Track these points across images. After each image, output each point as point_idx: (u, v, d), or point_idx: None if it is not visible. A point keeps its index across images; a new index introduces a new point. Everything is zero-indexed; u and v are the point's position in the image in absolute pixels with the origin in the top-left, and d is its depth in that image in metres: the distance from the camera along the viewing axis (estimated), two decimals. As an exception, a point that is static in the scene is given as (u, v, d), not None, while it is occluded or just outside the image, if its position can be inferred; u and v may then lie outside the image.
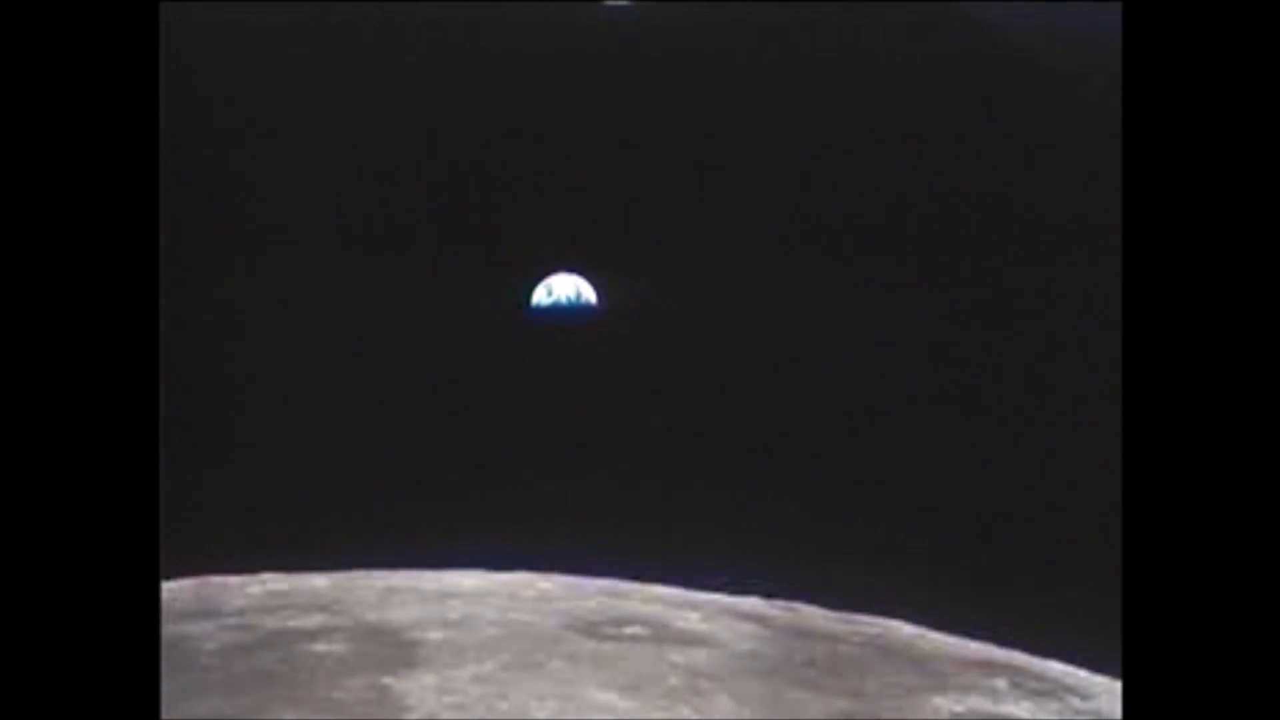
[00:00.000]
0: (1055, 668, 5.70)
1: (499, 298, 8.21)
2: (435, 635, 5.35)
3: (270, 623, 5.57)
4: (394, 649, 5.22)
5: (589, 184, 8.20)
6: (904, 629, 6.06)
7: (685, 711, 4.68)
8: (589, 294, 8.25)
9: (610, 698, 4.77)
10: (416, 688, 4.82)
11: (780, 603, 6.23)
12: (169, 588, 6.09)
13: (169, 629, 5.38)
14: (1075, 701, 5.21)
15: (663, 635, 5.47)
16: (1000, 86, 7.94)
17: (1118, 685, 5.30)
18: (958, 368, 7.79)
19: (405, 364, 8.17)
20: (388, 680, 4.89)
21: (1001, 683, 5.29)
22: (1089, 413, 6.80)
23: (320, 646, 5.24)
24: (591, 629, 5.48)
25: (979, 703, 5.03)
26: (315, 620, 5.57)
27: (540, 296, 8.24)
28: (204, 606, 5.82)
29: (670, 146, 8.19)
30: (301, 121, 8.05)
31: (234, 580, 6.29)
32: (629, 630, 5.50)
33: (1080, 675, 5.62)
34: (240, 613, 5.72)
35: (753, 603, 6.19)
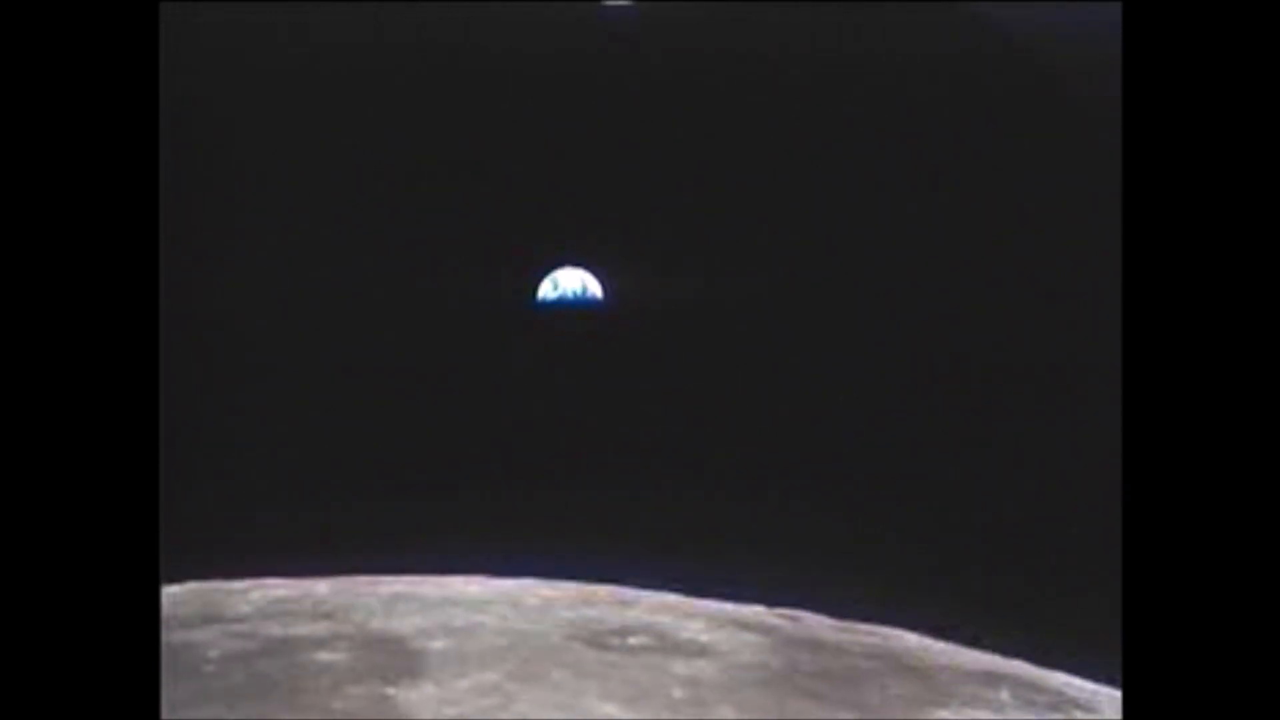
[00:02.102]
0: (1058, 679, 5.69)
1: (505, 292, 8.21)
2: (438, 644, 5.33)
3: (273, 630, 5.55)
4: (396, 658, 5.20)
5: (594, 178, 8.20)
6: (907, 638, 6.04)
7: (689, 724, 4.69)
8: (595, 288, 8.25)
9: (613, 710, 4.75)
10: (418, 698, 4.81)
11: (783, 611, 6.22)
12: (172, 592, 6.09)
13: (172, 636, 5.38)
14: (1078, 715, 5.20)
15: (666, 645, 5.45)
16: (1000, 85, 7.93)
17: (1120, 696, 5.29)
18: (963, 374, 7.78)
19: (410, 360, 8.17)
20: (390, 690, 4.88)
21: (1004, 695, 5.28)
22: (1094, 419, 6.78)
23: (323, 655, 5.23)
24: (595, 638, 5.46)
25: (981, 716, 5.02)
26: (318, 628, 5.55)
27: (546, 290, 8.24)
28: (207, 612, 5.81)
29: (674, 142, 8.19)
30: (305, 119, 8.04)
31: (237, 585, 6.28)
32: (632, 640, 5.49)
33: (1084, 686, 5.61)
34: (243, 619, 5.71)
35: (756, 611, 6.17)
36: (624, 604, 6.10)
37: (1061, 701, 5.33)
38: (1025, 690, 5.41)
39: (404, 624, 5.60)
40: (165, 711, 3.36)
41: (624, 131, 8.19)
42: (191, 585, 6.22)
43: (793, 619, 6.13)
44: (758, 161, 8.08)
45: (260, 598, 6.05)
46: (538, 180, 8.21)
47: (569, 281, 8.27)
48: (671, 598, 6.28)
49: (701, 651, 5.41)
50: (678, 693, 4.93)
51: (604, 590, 6.30)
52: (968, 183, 7.89)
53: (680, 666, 5.19)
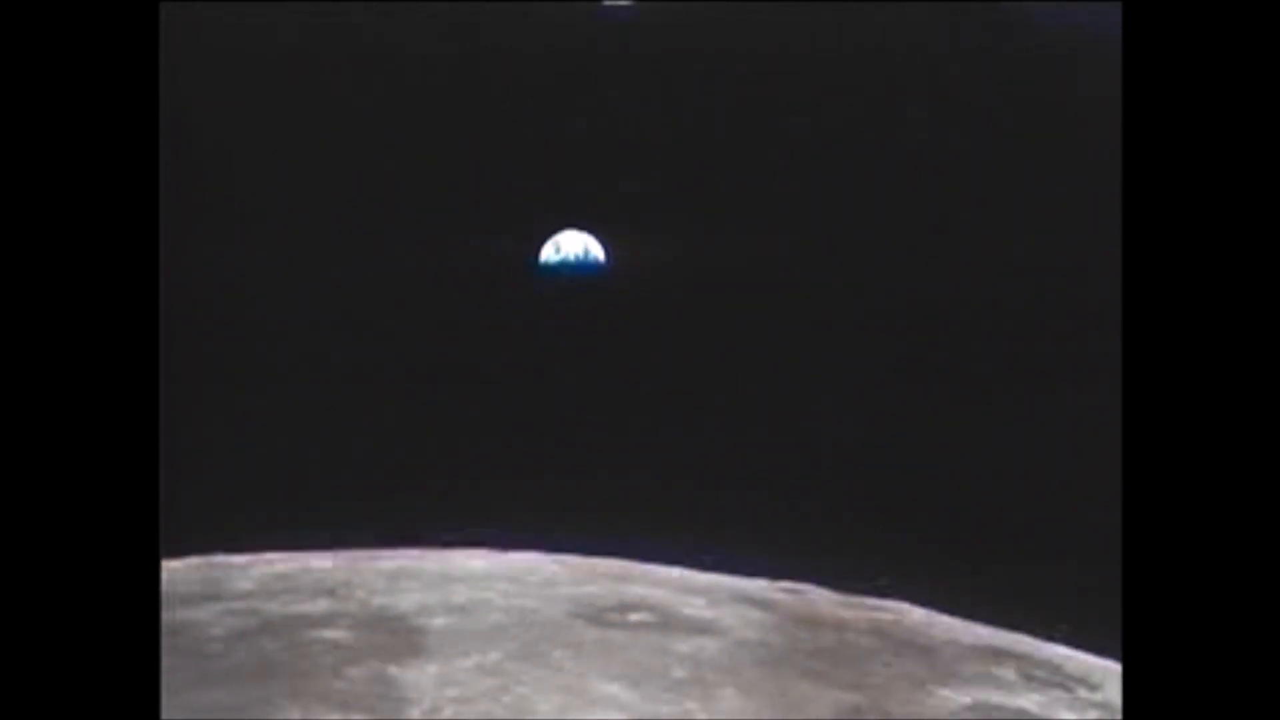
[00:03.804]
0: (1063, 654, 5.67)
1: (508, 255, 8.22)
2: (440, 622, 5.31)
3: (275, 607, 5.53)
4: (398, 636, 5.19)
5: (596, 142, 8.20)
6: (912, 613, 6.03)
7: (690, 705, 4.66)
8: (597, 251, 8.26)
9: (615, 690, 4.74)
10: (420, 678, 4.80)
11: (786, 584, 6.21)
12: (173, 568, 6.07)
13: (175, 613, 5.37)
14: (1082, 692, 5.19)
15: (669, 623, 5.43)
16: (985, 70, 7.94)
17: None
18: (964, 349, 7.78)
19: (412, 328, 8.17)
20: (392, 670, 4.86)
21: (1009, 672, 5.26)
22: (1094, 394, 6.78)
23: (325, 633, 5.21)
24: (597, 616, 5.44)
25: (986, 694, 5.00)
26: (320, 605, 5.54)
27: (548, 254, 8.25)
28: (209, 589, 5.80)
29: (677, 112, 8.19)
30: (312, 102, 8.04)
31: (239, 560, 6.27)
32: (635, 617, 5.47)
33: (1089, 662, 5.59)
34: (245, 596, 5.69)
35: (759, 585, 6.15)
36: (626, 579, 6.09)
37: (1066, 680, 5.31)
38: (1028, 666, 5.39)
39: (406, 601, 5.58)
40: (165, 693, 3.34)
41: (627, 100, 8.20)
42: (192, 560, 6.21)
43: (795, 593, 6.11)
44: (760, 130, 8.08)
45: (262, 574, 6.03)
46: (539, 146, 8.21)
47: (571, 245, 8.28)
48: (673, 571, 6.27)
49: (703, 629, 5.39)
50: (679, 672, 4.92)
51: (606, 564, 6.29)
52: (969, 166, 7.90)
53: (682, 645, 5.18)
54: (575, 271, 8.25)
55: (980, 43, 7.89)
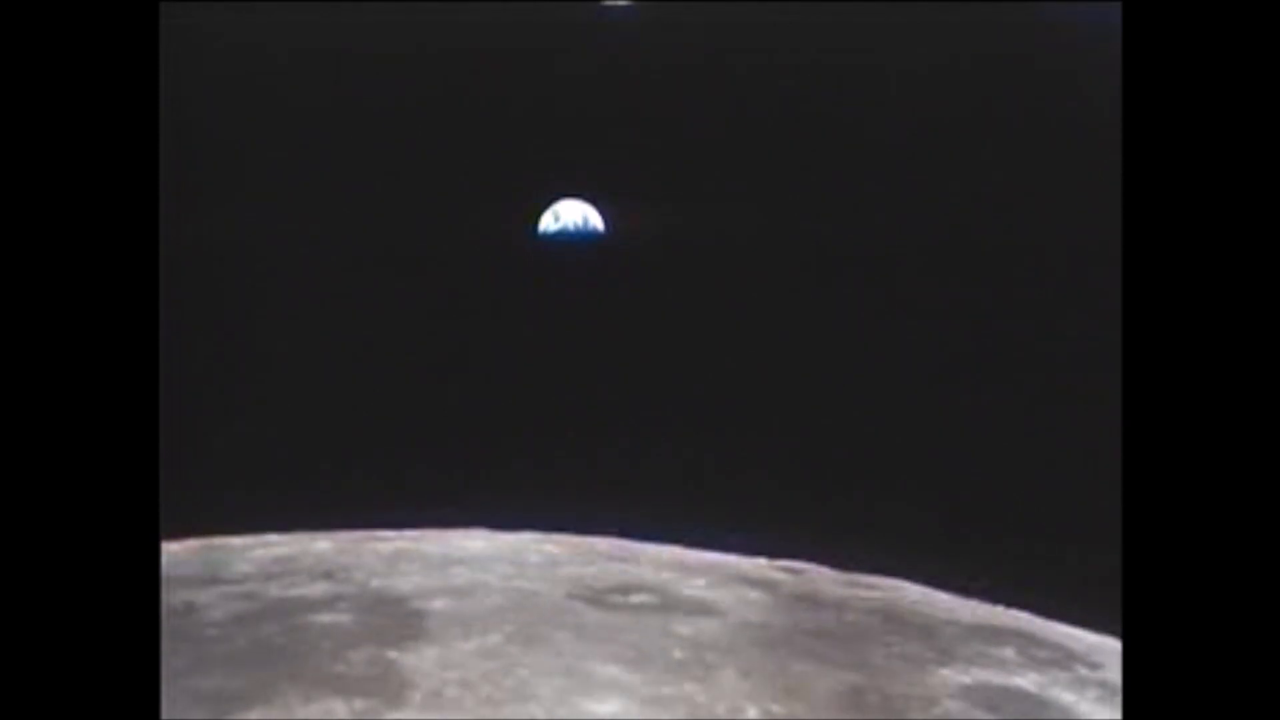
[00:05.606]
0: (1063, 631, 5.67)
1: (506, 224, 8.23)
2: (440, 605, 5.31)
3: (274, 591, 5.53)
4: (398, 620, 5.18)
5: (596, 112, 8.20)
6: (910, 590, 6.03)
7: (691, 687, 4.66)
8: (596, 220, 8.27)
9: (616, 672, 4.74)
10: (420, 662, 4.80)
11: (787, 564, 6.20)
12: (172, 551, 6.07)
13: (174, 596, 5.36)
14: (1083, 671, 5.19)
15: (669, 604, 5.43)
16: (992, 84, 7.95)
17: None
18: (965, 324, 7.77)
19: (410, 302, 8.17)
20: (392, 654, 4.86)
21: (1009, 652, 5.26)
22: (1095, 370, 6.78)
23: (325, 617, 5.21)
24: (597, 597, 5.44)
25: (987, 675, 5.00)
26: (319, 588, 5.53)
27: (547, 223, 8.26)
28: (209, 572, 5.79)
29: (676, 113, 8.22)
30: (311, 105, 8.05)
31: (238, 542, 6.26)
32: (635, 599, 5.46)
33: (1089, 640, 5.60)
34: (244, 580, 5.69)
35: (759, 565, 6.15)
36: (626, 559, 6.09)
37: (1067, 659, 5.31)
38: (1029, 645, 5.39)
39: (406, 583, 5.58)
40: (164, 678, 3.34)
41: (626, 113, 8.22)
42: (191, 543, 6.21)
43: (795, 572, 6.11)
44: (761, 122, 8.09)
45: (261, 556, 6.03)
46: (539, 116, 8.22)
47: (570, 214, 8.29)
48: (674, 550, 6.27)
49: (703, 610, 5.39)
50: (679, 654, 4.91)
51: (606, 545, 6.29)
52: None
53: (682, 626, 5.17)
54: (574, 241, 8.27)
55: (993, 43, 7.89)
